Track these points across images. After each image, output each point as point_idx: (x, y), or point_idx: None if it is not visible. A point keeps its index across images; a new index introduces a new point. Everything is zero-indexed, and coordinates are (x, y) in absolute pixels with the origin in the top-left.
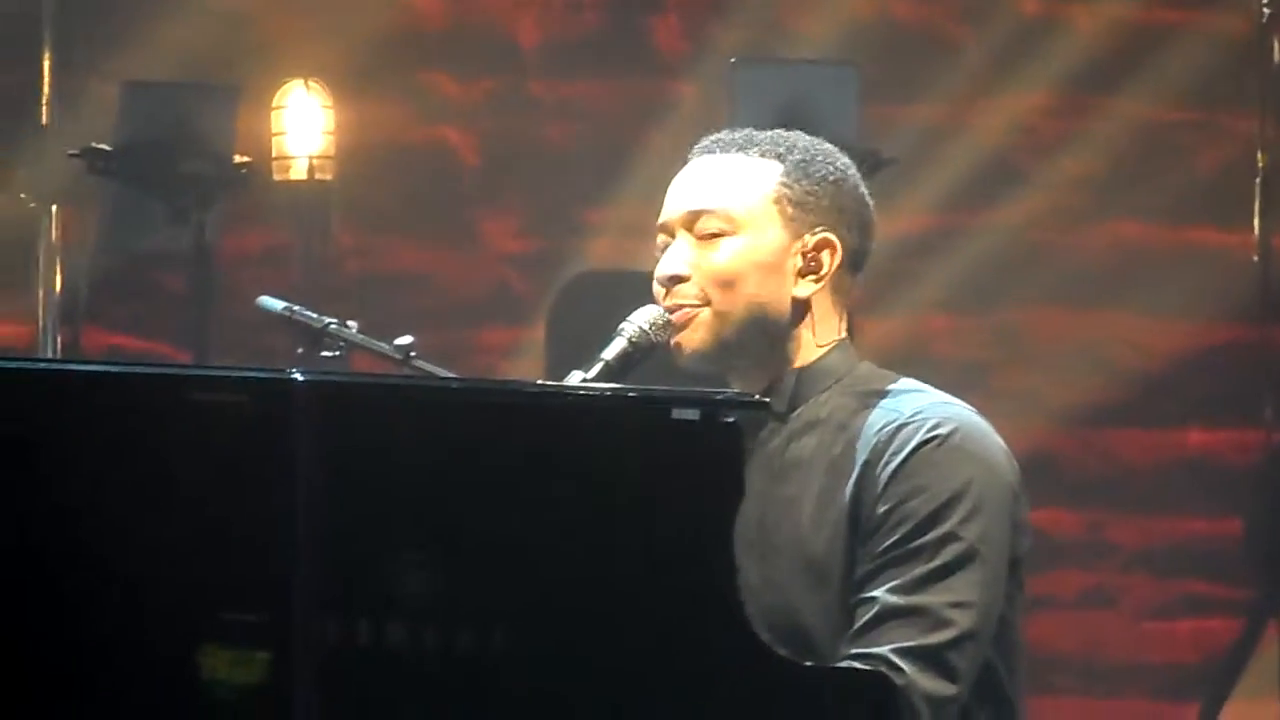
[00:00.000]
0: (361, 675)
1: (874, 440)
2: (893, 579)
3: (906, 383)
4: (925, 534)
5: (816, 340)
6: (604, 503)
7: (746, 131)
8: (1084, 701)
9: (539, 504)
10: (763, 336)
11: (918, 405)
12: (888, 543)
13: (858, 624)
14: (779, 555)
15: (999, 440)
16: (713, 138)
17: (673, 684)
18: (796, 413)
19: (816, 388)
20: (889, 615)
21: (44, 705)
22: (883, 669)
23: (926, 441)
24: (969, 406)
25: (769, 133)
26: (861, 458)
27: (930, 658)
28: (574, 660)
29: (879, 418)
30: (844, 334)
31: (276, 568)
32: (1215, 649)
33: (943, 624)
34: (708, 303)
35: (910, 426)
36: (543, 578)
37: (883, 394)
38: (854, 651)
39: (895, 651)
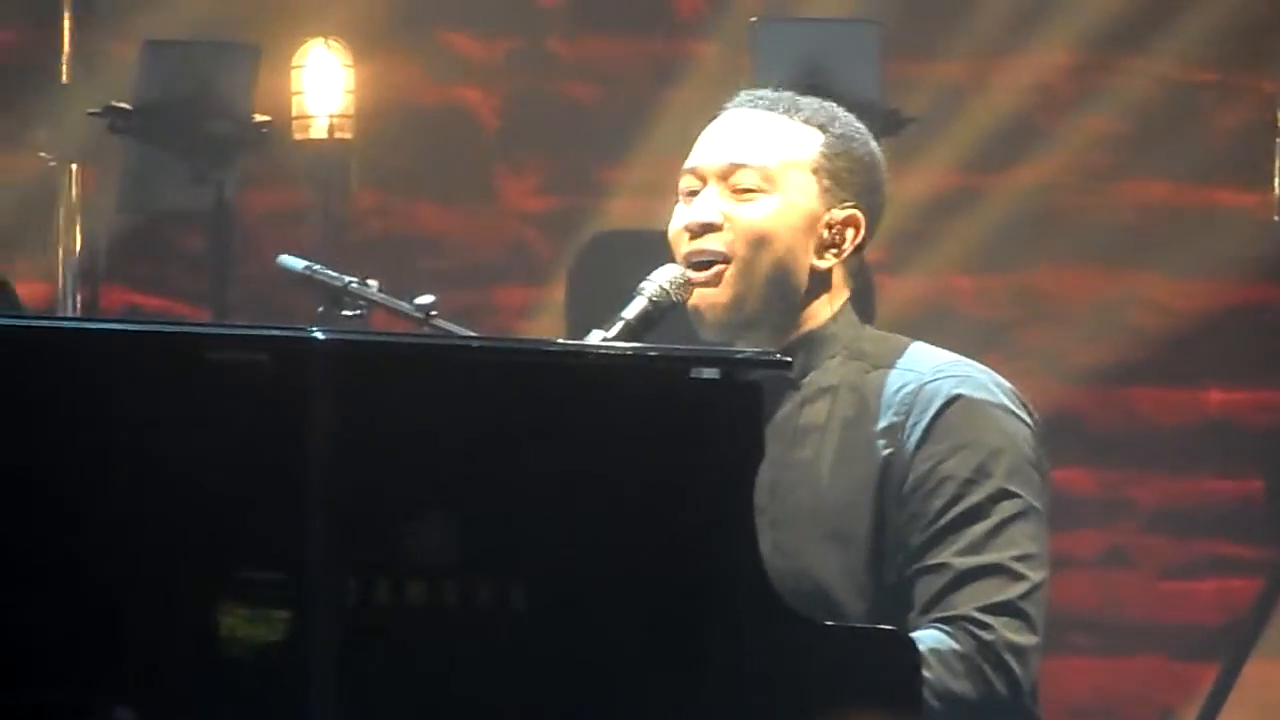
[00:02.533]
0: (380, 634)
1: (896, 401)
2: (956, 542)
3: (913, 343)
4: (974, 493)
5: (822, 310)
6: (624, 462)
7: (789, 94)
8: (1102, 661)
9: (559, 463)
10: (780, 302)
11: (934, 364)
12: (936, 505)
13: (931, 591)
14: (794, 520)
15: (1014, 390)
16: (755, 93)
17: (693, 644)
18: (806, 379)
19: (825, 353)
20: (964, 578)
21: (63, 663)
22: (969, 627)
23: (952, 400)
24: (976, 362)
25: (811, 100)
26: (885, 420)
27: (1012, 611)
28: (593, 620)
29: (897, 379)
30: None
31: (295, 526)
32: (1235, 609)
33: (1016, 577)
34: (731, 258)
35: (932, 385)
36: (562, 537)
37: (892, 355)
38: (936, 616)
39: (979, 610)
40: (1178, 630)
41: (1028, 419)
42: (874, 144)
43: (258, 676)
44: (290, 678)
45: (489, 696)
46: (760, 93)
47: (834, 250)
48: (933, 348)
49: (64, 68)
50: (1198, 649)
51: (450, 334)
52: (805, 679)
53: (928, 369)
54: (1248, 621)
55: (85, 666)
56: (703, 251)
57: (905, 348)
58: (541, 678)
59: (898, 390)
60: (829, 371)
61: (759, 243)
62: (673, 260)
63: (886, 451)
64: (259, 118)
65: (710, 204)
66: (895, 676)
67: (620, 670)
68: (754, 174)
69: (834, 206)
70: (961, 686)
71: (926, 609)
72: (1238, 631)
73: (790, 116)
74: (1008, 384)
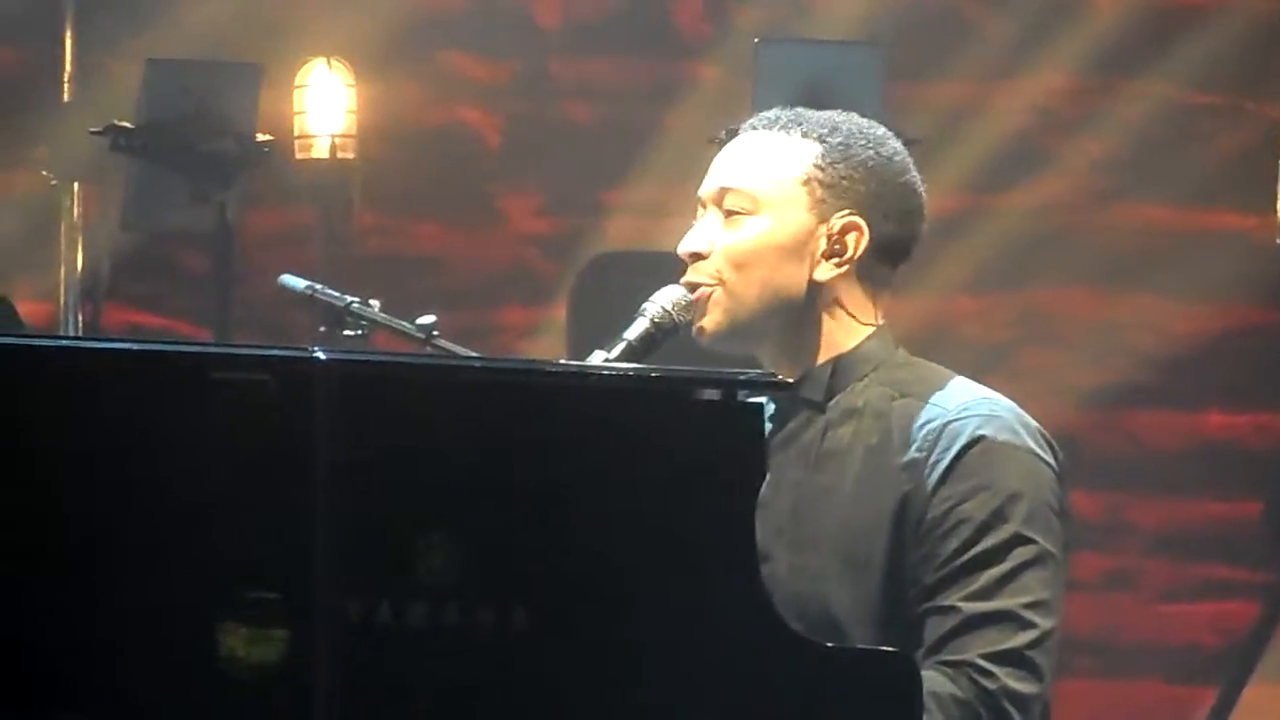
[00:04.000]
0: (381, 655)
1: (920, 437)
2: (967, 586)
3: (945, 374)
4: (989, 536)
5: (845, 327)
6: (626, 482)
7: (797, 110)
8: (1103, 683)
9: (560, 484)
10: (780, 319)
11: (961, 400)
12: (951, 547)
13: (938, 633)
14: (814, 545)
15: (1041, 430)
16: (765, 114)
17: (693, 665)
18: (833, 401)
19: (852, 376)
20: (972, 623)
21: (62, 681)
22: (972, 674)
23: (976, 441)
24: (1005, 399)
25: (821, 113)
26: (909, 455)
27: (1017, 660)
28: (594, 641)
29: (925, 414)
30: (880, 322)
31: (296, 546)
32: (1234, 632)
33: (1025, 626)
34: (722, 282)
35: (956, 424)
36: (563, 558)
37: (923, 385)
38: (941, 659)
39: (983, 657)
40: (1177, 653)
41: (1051, 461)
42: (889, 148)
43: (258, 697)
44: (291, 699)
45: (489, 718)
46: (768, 113)
47: (835, 260)
48: (971, 383)
49: (66, 86)
50: (1197, 672)
51: (452, 354)
52: (804, 701)
53: (953, 406)
54: (1247, 644)
55: (84, 687)
56: (693, 283)
57: (943, 381)
58: (542, 699)
59: (923, 425)
60: (855, 394)
61: (741, 266)
62: (676, 281)
63: (907, 488)
64: (261, 137)
65: (702, 232)
66: (896, 699)
67: (620, 691)
68: (742, 197)
69: (830, 216)
70: None
71: (932, 651)
72: (1237, 654)
73: (788, 133)
74: (1035, 424)
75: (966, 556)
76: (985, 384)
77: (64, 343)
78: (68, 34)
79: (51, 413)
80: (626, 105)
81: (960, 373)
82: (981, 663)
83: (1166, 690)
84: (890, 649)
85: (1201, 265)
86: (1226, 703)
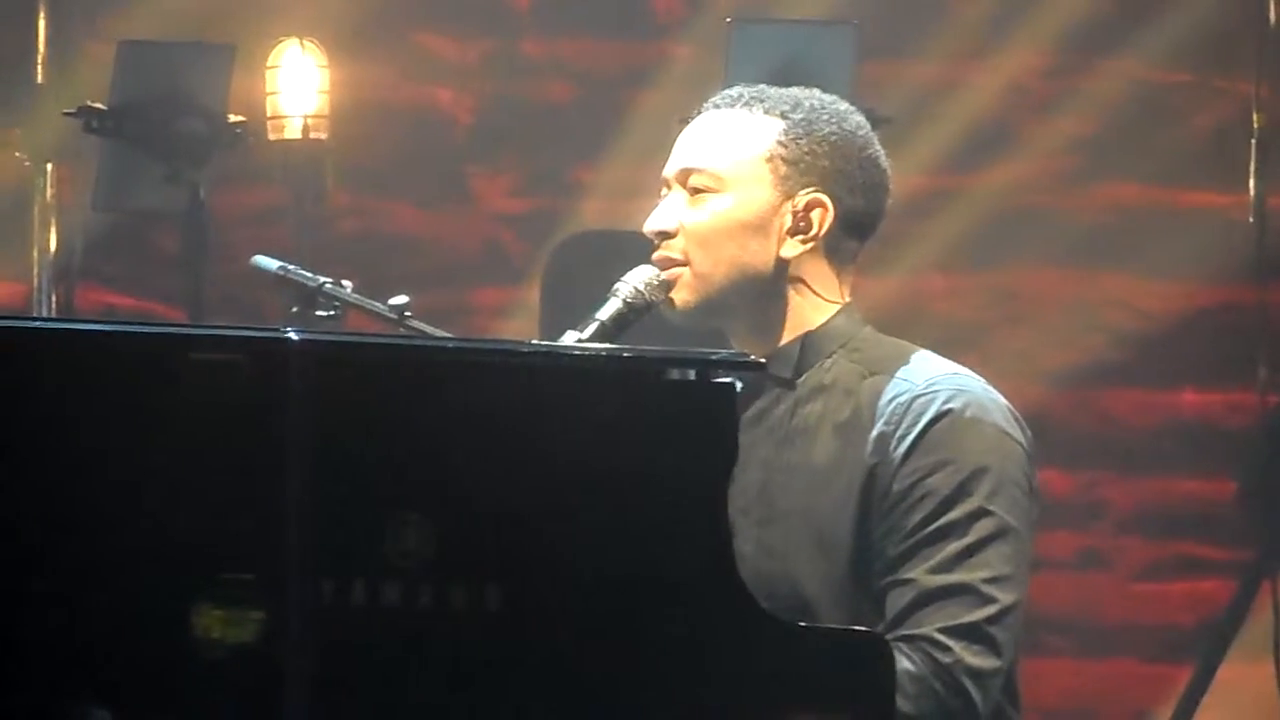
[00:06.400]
0: (354, 636)
1: (888, 411)
2: (927, 559)
3: (914, 350)
4: (953, 510)
5: (812, 304)
6: (598, 463)
7: (760, 87)
8: (1076, 663)
9: (532, 464)
10: (748, 297)
11: (929, 375)
12: (914, 520)
13: (898, 607)
14: (782, 522)
15: (1009, 407)
16: (727, 92)
17: (665, 644)
18: (802, 379)
19: (821, 353)
20: (929, 596)
21: (38, 664)
22: (928, 648)
23: (942, 415)
24: (975, 374)
25: (782, 90)
26: (876, 429)
27: (974, 634)
28: (566, 621)
29: (891, 388)
30: (847, 298)
31: (271, 527)
32: (1209, 611)
33: (984, 600)
34: (690, 261)
35: (924, 398)
36: (536, 538)
37: (891, 361)
38: (899, 634)
39: (940, 631)
40: (1152, 631)
41: (1020, 438)
42: (852, 121)
43: (233, 677)
44: (265, 678)
45: (460, 697)
46: (732, 91)
47: (801, 237)
48: (937, 358)
49: (39, 68)
50: (1172, 650)
51: (425, 335)
52: (776, 679)
53: (920, 380)
54: (1222, 622)
55: (60, 668)
56: (663, 259)
57: (908, 355)
58: (513, 678)
59: (891, 400)
60: (823, 371)
61: (707, 244)
62: (648, 261)
63: (873, 462)
64: (234, 118)
65: (668, 210)
66: (867, 677)
67: (592, 669)
68: (705, 176)
69: (795, 193)
70: (911, 708)
71: (892, 626)
72: (1212, 632)
73: (750, 110)
74: (1004, 401)
75: (929, 529)
76: (958, 363)
77: (37, 324)
78: (41, 16)
79: (23, 394)
80: (599, 85)
81: (934, 352)
82: (938, 637)
83: (1141, 669)
84: (861, 628)
85: (1175, 244)
86: (1201, 681)
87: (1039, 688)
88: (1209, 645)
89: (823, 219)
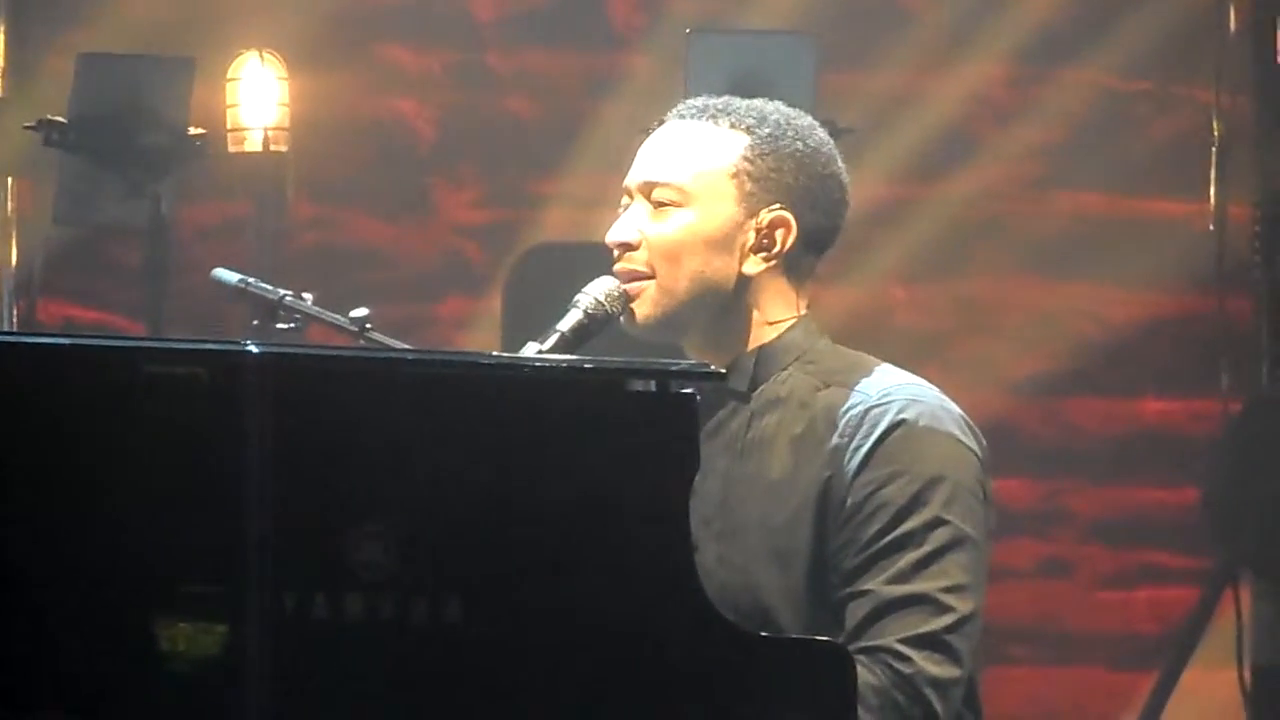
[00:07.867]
0: (317, 648)
1: (842, 423)
2: (885, 570)
3: (869, 362)
4: (909, 520)
5: (769, 318)
6: (559, 474)
7: (725, 99)
8: (1040, 670)
9: (493, 476)
10: (709, 312)
11: (883, 387)
12: (871, 531)
13: (856, 619)
14: (741, 534)
15: (964, 416)
16: (691, 102)
17: (627, 656)
18: (758, 391)
19: (776, 365)
20: (888, 607)
21: (1, 677)
22: (888, 659)
23: (896, 425)
24: (930, 385)
25: (747, 102)
26: (831, 441)
27: (934, 644)
28: (528, 632)
29: (847, 400)
30: (803, 311)
31: (233, 540)
32: (1172, 618)
33: (943, 610)
34: (654, 274)
35: (878, 409)
36: (497, 550)
37: (846, 373)
38: (859, 646)
39: (900, 641)
40: (1115, 640)
41: (974, 447)
42: (815, 138)
43: (195, 688)
44: (227, 690)
45: (423, 710)
46: (696, 101)
47: (764, 254)
48: (894, 369)
49: None
50: (1135, 658)
51: (386, 347)
52: (738, 689)
53: (874, 392)
54: (1185, 630)
55: (21, 678)
56: (625, 271)
57: (868, 368)
58: (474, 689)
59: (846, 412)
60: (779, 384)
61: (672, 259)
62: (609, 272)
63: (828, 474)
64: (194, 130)
65: (630, 222)
66: (828, 687)
67: (554, 681)
68: (670, 189)
69: (759, 209)
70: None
71: (852, 637)
72: (1175, 640)
73: (716, 123)
74: (958, 410)
75: (885, 540)
76: (920, 374)
77: None
78: (1, 29)
79: None
80: (561, 96)
81: (895, 362)
82: (898, 647)
83: (1105, 676)
84: (823, 638)
85: (1136, 252)
86: (1165, 688)
87: (1003, 697)
88: (1172, 652)
89: (785, 237)
